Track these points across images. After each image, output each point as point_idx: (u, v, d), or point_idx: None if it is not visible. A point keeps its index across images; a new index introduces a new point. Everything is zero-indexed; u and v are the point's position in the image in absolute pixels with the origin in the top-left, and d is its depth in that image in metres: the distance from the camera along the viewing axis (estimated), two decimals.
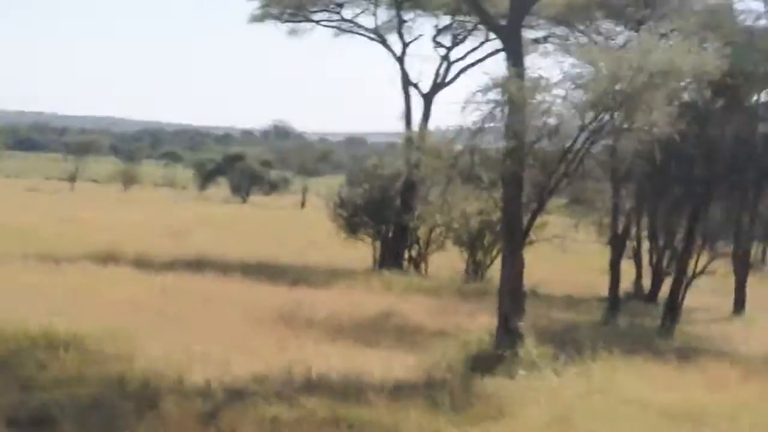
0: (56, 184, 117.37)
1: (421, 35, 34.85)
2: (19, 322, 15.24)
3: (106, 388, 12.08)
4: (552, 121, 16.00)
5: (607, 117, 15.94)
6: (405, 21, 34.60)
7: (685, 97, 20.46)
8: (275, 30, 36.82)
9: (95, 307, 18.08)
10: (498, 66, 17.01)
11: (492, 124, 15.81)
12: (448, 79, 34.60)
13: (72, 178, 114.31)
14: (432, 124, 33.11)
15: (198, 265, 27.03)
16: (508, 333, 15.64)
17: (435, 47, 34.99)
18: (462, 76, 34.50)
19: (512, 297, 15.95)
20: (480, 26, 32.22)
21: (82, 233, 36.54)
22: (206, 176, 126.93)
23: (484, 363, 14.97)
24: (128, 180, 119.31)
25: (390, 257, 32.59)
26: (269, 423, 11.21)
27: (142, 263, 26.33)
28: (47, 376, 12.61)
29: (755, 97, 26.28)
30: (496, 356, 15.15)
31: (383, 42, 35.02)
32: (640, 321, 24.59)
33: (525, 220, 16.30)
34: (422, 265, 33.09)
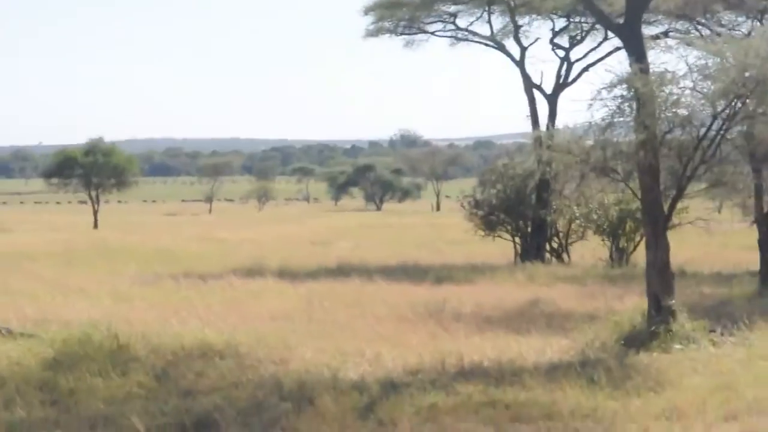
0: (193, 206, 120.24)
1: (538, 38, 34.78)
2: (175, 335, 15.64)
3: (264, 390, 12.28)
4: (683, 111, 15.93)
5: (739, 104, 15.73)
6: (520, 26, 34.50)
7: None
8: (392, 42, 37.05)
9: (245, 318, 18.42)
10: (621, 62, 16.98)
11: (621, 119, 15.86)
12: (570, 78, 34.52)
13: (208, 199, 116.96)
14: (558, 123, 32.97)
15: (340, 271, 27.46)
16: (659, 311, 15.46)
17: (553, 49, 34.89)
18: (584, 74, 34.21)
19: (661, 277, 15.80)
20: (598, 26, 31.96)
21: (224, 250, 37.44)
22: (339, 188, 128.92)
23: (637, 340, 14.83)
24: (263, 197, 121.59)
25: (531, 251, 32.65)
26: (427, 411, 11.29)
27: (286, 274, 26.78)
28: (206, 383, 12.88)
29: None
30: (649, 333, 14.99)
31: (501, 48, 34.97)
32: None
33: (665, 207, 16.25)
34: (564, 256, 33.06)
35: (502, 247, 33.47)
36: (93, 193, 71.52)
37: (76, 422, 10.99)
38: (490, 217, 33.89)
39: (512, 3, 33.95)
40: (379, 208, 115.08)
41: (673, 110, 15.88)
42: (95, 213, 69.58)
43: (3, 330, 16.14)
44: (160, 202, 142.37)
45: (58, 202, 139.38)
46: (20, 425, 10.89)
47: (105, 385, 12.56)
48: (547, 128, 31.88)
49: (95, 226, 66.07)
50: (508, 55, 34.55)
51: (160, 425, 10.61)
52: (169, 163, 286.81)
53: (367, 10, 34.91)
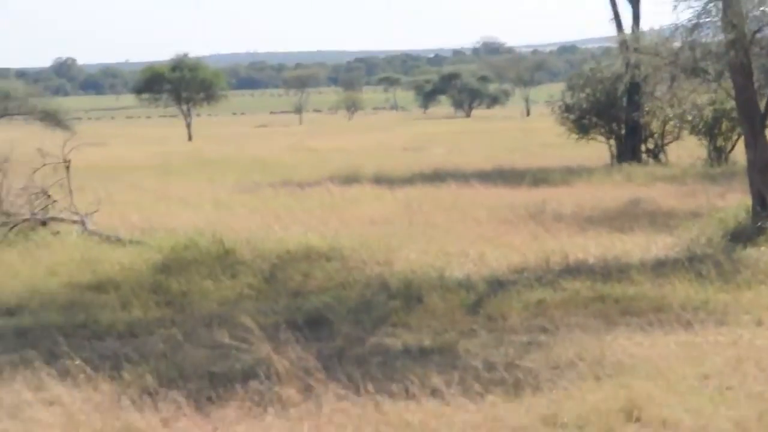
0: (283, 117, 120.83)
1: None
2: (278, 240, 15.91)
3: (371, 290, 12.53)
4: None
5: None
6: None
7: None
8: None
9: (345, 223, 18.59)
10: None
11: (708, 20, 15.57)
12: None
13: (298, 111, 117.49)
14: (643, 25, 32.29)
15: (436, 176, 27.43)
16: (765, 207, 15.29)
17: None
18: None
19: (763, 175, 15.61)
20: None
21: (318, 159, 37.64)
22: (427, 96, 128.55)
23: (743, 236, 14.74)
24: (351, 107, 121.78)
25: (626, 152, 32.31)
26: (535, 306, 11.42)
27: (382, 180, 26.84)
28: (313, 284, 13.16)
29: None
30: (755, 229, 14.88)
31: None
32: None
33: (761, 105, 16.03)
34: (661, 156, 32.70)
35: (596, 150, 33.18)
36: (183, 107, 72.30)
37: (191, 321, 11.34)
38: (582, 120, 33.64)
39: None
40: (468, 115, 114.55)
41: (761, 8, 15.61)
42: (188, 126, 70.34)
43: (112, 237, 16.56)
44: (249, 114, 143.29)
45: (148, 117, 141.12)
46: (138, 324, 11.27)
47: (215, 287, 12.90)
48: (632, 31, 31.29)
49: (189, 138, 66.86)
50: None
51: (273, 323, 10.81)
52: (254, 76, 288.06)
53: None
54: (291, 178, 28.41)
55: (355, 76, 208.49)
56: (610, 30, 32.69)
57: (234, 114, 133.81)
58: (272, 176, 29.12)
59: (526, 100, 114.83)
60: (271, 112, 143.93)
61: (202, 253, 14.71)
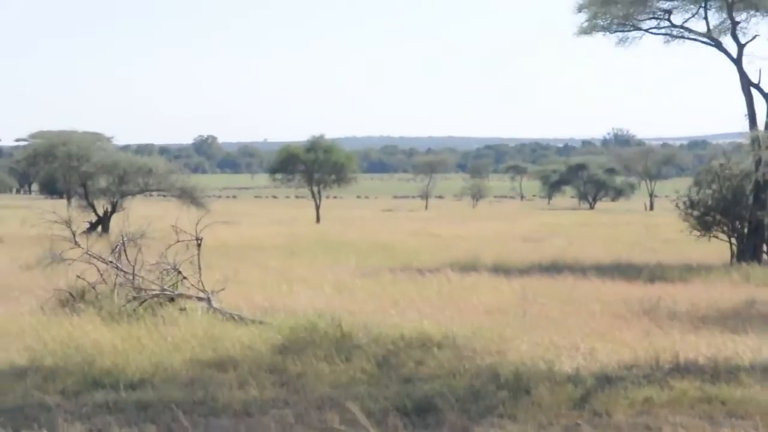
0: (409, 202, 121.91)
1: (756, 35, 33.71)
2: (394, 325, 16.25)
3: (481, 379, 12.66)
4: None
5: None
6: (738, 22, 33.61)
7: None
8: (605, 40, 36.55)
9: (461, 311, 18.88)
10: None
11: None
12: None
13: (424, 196, 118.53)
14: None
15: (554, 268, 27.66)
16: None
17: None
18: None
19: None
20: None
21: (440, 245, 38.12)
22: (552, 186, 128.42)
23: None
24: (477, 194, 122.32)
25: (747, 251, 32.06)
26: (641, 404, 11.50)
27: (501, 269, 27.14)
28: (425, 371, 13.40)
29: None
30: None
31: (717, 45, 34.16)
32: None
33: None
34: None
35: (717, 248, 32.94)
36: (315, 189, 73.62)
37: (304, 403, 11.61)
38: (705, 217, 33.47)
39: None
40: (591, 207, 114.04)
41: None
42: (317, 208, 71.66)
43: (235, 316, 17.15)
44: (373, 197, 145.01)
45: (274, 197, 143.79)
46: (253, 403, 11.60)
47: (330, 370, 13.21)
48: (766, 128, 31.18)
49: (317, 220, 68.08)
50: (725, 52, 33.76)
51: (382, 408, 11.10)
52: (385, 160, 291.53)
53: (581, 8, 34.71)
54: (411, 263, 28.95)
55: (483, 164, 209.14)
56: (743, 126, 32.68)
57: (359, 197, 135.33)
58: (393, 261, 29.73)
59: (651, 195, 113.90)
60: (394, 197, 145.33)
61: (320, 335, 15.13)
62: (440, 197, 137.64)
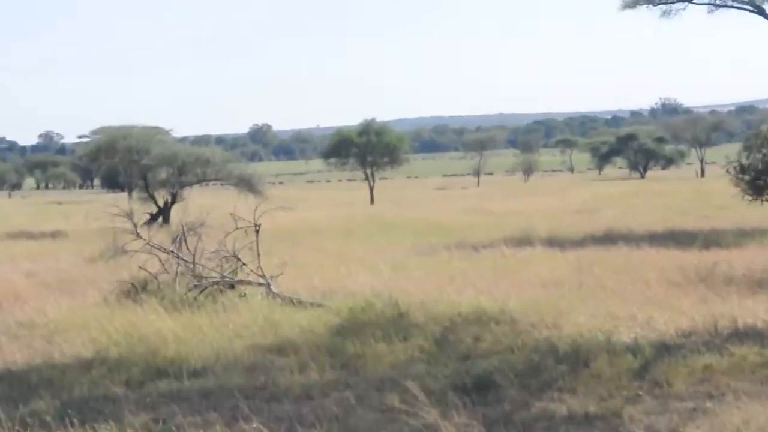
0: (461, 180, 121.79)
1: None
2: (451, 302, 16.34)
3: (539, 354, 12.69)
4: None
5: None
6: None
7: None
8: (648, 12, 36.16)
9: (516, 285, 18.87)
10: None
11: None
12: None
13: (476, 174, 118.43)
14: None
15: (607, 239, 27.59)
16: None
17: None
18: None
19: None
20: None
21: (493, 221, 38.14)
22: (602, 158, 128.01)
23: None
24: (528, 169, 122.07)
25: None
26: (701, 371, 11.50)
27: (555, 242, 27.13)
28: (482, 347, 13.48)
29: None
30: None
31: (761, 12, 33.69)
32: None
33: None
34: None
35: None
36: (368, 171, 73.83)
37: (364, 384, 11.71)
38: (756, 181, 33.23)
39: None
40: (642, 176, 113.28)
41: None
42: (371, 189, 71.89)
43: (294, 300, 17.34)
44: (430, 177, 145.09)
45: (328, 180, 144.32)
46: (314, 386, 11.72)
47: (389, 350, 13.30)
48: None
49: (371, 201, 68.33)
50: None
51: (441, 387, 11.16)
52: (437, 140, 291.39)
53: None
54: (466, 240, 29.00)
55: (532, 139, 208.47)
56: None
57: (409, 177, 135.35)
58: (448, 238, 29.77)
59: (702, 161, 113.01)
60: (443, 175, 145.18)
61: (377, 316, 15.26)
62: (490, 174, 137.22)
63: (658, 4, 34.79)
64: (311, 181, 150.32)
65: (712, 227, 30.33)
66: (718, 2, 34.56)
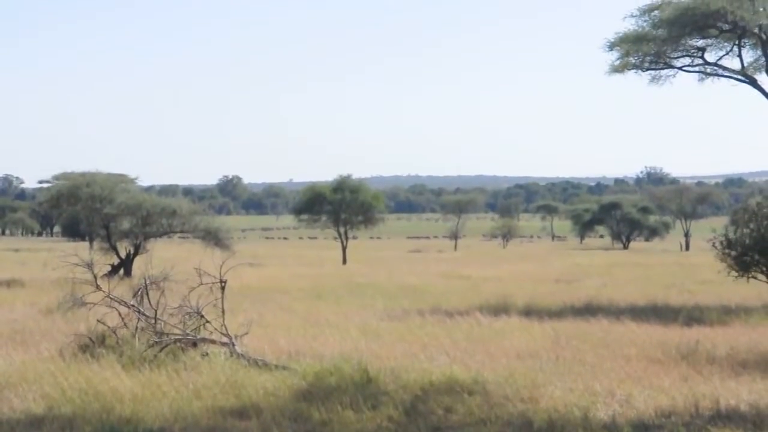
0: (438, 242, 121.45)
1: None
2: (423, 370, 15.81)
3: (513, 428, 12.29)
4: None
5: None
6: None
7: None
8: (637, 78, 35.99)
9: (491, 355, 18.38)
10: None
11: None
12: None
13: (453, 236, 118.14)
14: None
15: (587, 311, 27.09)
16: None
17: None
18: None
19: None
20: None
21: (470, 287, 37.63)
22: (584, 226, 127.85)
23: None
24: (507, 234, 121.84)
25: None
26: None
27: (532, 312, 26.64)
28: (454, 419, 12.98)
29: None
30: None
31: (752, 82, 33.59)
32: None
33: None
34: None
35: (756, 289, 32.26)
36: (341, 229, 73.18)
37: None
38: (743, 257, 32.70)
39: (764, 36, 32.72)
40: (625, 247, 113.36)
41: None
42: (344, 249, 71.25)
43: (259, 361, 16.70)
44: (395, 237, 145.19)
45: (300, 237, 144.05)
46: None
47: (356, 418, 12.82)
48: None
49: (344, 261, 67.69)
50: (760, 89, 33.22)
51: None
52: (413, 199, 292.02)
53: (612, 46, 34.29)
54: (440, 305, 28.50)
55: (513, 203, 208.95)
56: None
57: (380, 238, 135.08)
58: (422, 303, 29.28)
59: (687, 234, 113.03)
60: (413, 237, 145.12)
61: (345, 381, 14.74)
62: (466, 236, 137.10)
63: (648, 69, 34.64)
64: (285, 238, 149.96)
65: (695, 302, 29.89)
66: (708, 70, 34.45)
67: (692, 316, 25.72)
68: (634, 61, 34.38)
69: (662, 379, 15.51)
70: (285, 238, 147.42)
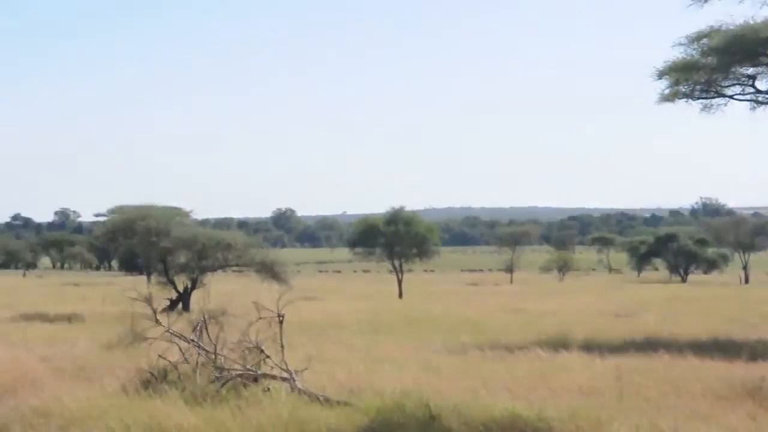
0: (494, 275, 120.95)
1: None
2: (485, 407, 15.64)
3: None
4: None
5: None
6: None
7: None
8: (688, 108, 35.65)
9: (553, 391, 18.20)
10: None
11: None
12: None
13: (509, 269, 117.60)
14: None
15: (648, 345, 26.73)
16: None
17: None
18: None
19: None
20: None
21: (528, 322, 37.35)
22: (641, 258, 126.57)
23: None
24: (563, 267, 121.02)
25: None
26: None
27: (593, 347, 26.33)
28: None
29: None
30: None
31: None
32: None
33: None
34: None
35: None
36: (396, 262, 73.00)
37: None
38: None
39: None
40: (684, 280, 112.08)
41: None
42: (399, 282, 71.07)
43: (320, 397, 16.65)
44: (456, 270, 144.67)
45: (354, 271, 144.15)
46: None
47: None
48: None
49: (400, 295, 67.53)
50: None
51: None
52: (467, 231, 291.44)
53: (661, 74, 34.00)
54: (499, 340, 28.29)
55: (567, 235, 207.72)
56: None
57: (432, 271, 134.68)
58: (480, 338, 29.07)
59: (745, 267, 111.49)
60: (466, 270, 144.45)
61: (407, 418, 14.64)
62: (517, 270, 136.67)
63: (698, 98, 34.29)
64: (338, 271, 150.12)
65: (759, 337, 29.41)
66: (760, 99, 34.04)
67: (756, 351, 25.26)
68: (684, 90, 34.09)
69: (729, 416, 15.25)
70: (338, 272, 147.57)
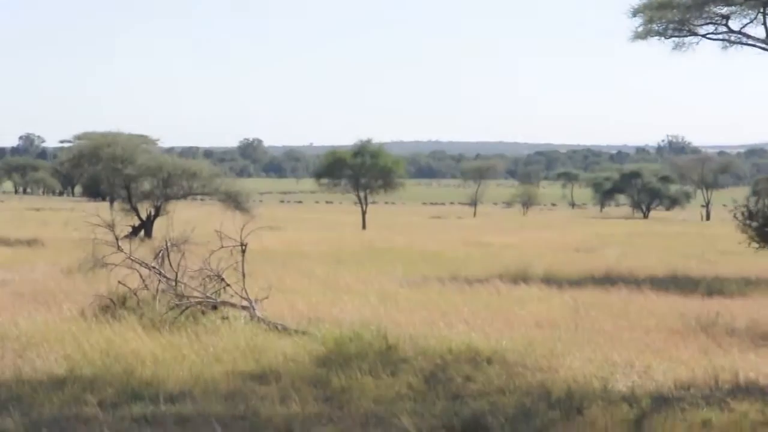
0: (458, 209, 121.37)
1: None
2: (442, 338, 15.83)
3: (531, 397, 12.21)
4: None
5: None
6: None
7: None
8: (660, 45, 35.67)
9: (510, 324, 18.38)
10: None
11: None
12: None
13: (472, 203, 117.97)
14: None
15: (607, 280, 27.04)
16: None
17: None
18: None
19: None
20: None
21: (489, 254, 37.61)
22: (604, 194, 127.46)
23: None
24: (527, 202, 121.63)
25: None
26: (699, 427, 10.93)
27: (552, 281, 26.55)
28: (473, 387, 12.94)
29: None
30: None
31: None
32: None
33: None
34: None
35: None
36: (361, 194, 73.14)
37: (348, 419, 11.21)
38: (765, 228, 32.67)
39: None
40: (645, 216, 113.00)
41: None
42: (363, 213, 71.25)
43: (278, 326, 16.76)
44: (419, 203, 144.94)
45: (316, 202, 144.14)
46: (295, 419, 11.18)
47: (375, 385, 12.79)
48: None
49: (363, 226, 67.72)
50: None
51: (429, 427, 10.71)
52: (433, 165, 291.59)
53: (636, 12, 33.99)
54: (460, 273, 28.45)
55: (533, 170, 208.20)
56: None
57: (394, 203, 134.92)
58: (441, 270, 29.23)
59: (707, 204, 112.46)
60: (423, 203, 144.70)
61: (365, 347, 14.73)
62: (494, 204, 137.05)
63: (671, 36, 34.31)
64: (299, 202, 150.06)
65: (716, 273, 29.75)
66: (732, 38, 34.11)
67: (712, 287, 25.60)
68: (657, 28, 34.10)
69: (682, 350, 15.50)
70: (299, 202, 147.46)
